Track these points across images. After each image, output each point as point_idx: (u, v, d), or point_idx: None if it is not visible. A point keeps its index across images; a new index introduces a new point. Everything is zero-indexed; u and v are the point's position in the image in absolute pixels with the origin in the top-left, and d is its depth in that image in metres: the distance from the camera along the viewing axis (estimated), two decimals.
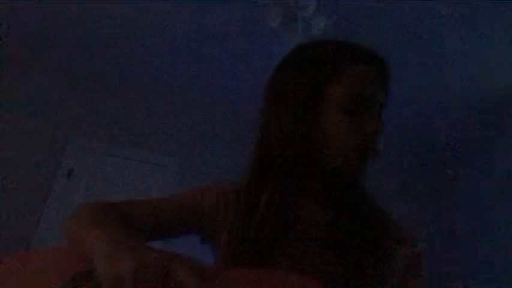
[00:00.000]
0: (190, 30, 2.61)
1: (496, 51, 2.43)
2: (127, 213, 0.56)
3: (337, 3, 2.19)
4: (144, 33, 2.71)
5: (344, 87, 0.58)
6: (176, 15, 2.48)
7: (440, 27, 2.31)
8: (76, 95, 3.15)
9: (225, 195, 0.64)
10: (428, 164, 3.68)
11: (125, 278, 0.34)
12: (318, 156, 0.60)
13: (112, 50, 2.94)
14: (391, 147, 3.55)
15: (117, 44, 2.86)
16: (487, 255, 2.85)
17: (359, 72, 0.59)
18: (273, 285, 0.42)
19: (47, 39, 2.90)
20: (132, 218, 0.57)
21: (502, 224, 2.78)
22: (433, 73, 2.72)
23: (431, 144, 3.60)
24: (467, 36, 2.34)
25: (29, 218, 2.74)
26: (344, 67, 0.59)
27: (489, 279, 2.77)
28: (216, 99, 3.41)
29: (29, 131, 2.94)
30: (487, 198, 2.99)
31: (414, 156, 3.70)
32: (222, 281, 0.39)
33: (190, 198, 0.64)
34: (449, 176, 3.45)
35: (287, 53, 0.67)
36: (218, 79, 3.14)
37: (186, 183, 3.07)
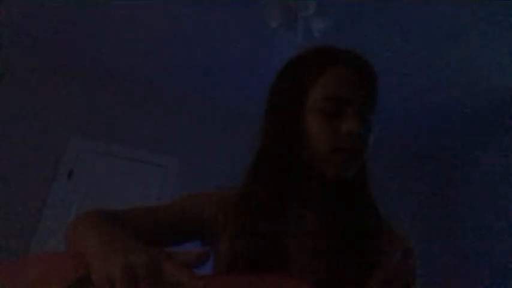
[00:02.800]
0: (191, 30, 2.61)
1: (496, 52, 2.43)
2: (127, 222, 0.56)
3: (337, 3, 2.19)
4: (144, 33, 2.71)
5: (321, 90, 0.60)
6: (176, 15, 2.48)
7: (440, 27, 2.30)
8: (76, 95, 3.15)
9: (224, 202, 0.65)
10: (428, 164, 3.68)
11: (114, 278, 0.34)
12: (303, 158, 0.61)
13: (112, 50, 2.94)
14: (391, 148, 3.55)
15: (117, 44, 2.86)
16: (488, 255, 2.85)
17: (336, 74, 0.61)
18: None
19: (47, 39, 2.90)
20: (132, 226, 0.56)
21: (503, 224, 2.78)
22: (433, 73, 2.72)
23: (431, 145, 3.60)
24: (467, 36, 2.34)
25: (29, 218, 2.74)
26: (323, 70, 0.61)
27: (490, 278, 2.77)
28: (216, 99, 3.41)
29: (29, 131, 2.94)
30: (488, 199, 2.99)
31: (414, 156, 3.70)
32: (216, 285, 0.39)
33: (189, 206, 0.64)
34: (450, 177, 3.45)
35: (282, 66, 0.70)
36: (218, 79, 3.14)
37: (186, 183, 3.07)
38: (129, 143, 3.14)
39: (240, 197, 0.63)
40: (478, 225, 3.01)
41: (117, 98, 3.25)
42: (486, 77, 2.67)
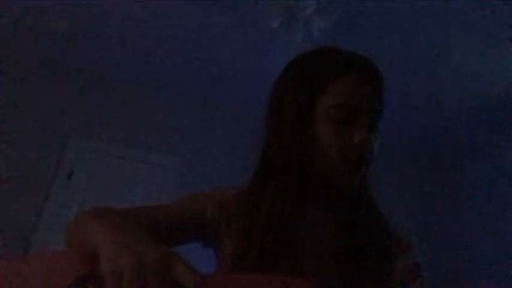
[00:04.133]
0: (191, 30, 2.61)
1: (496, 51, 2.43)
2: (129, 220, 0.56)
3: (337, 3, 2.19)
4: (144, 33, 2.71)
5: (333, 98, 0.60)
6: (177, 15, 2.48)
7: (440, 27, 2.30)
8: (76, 95, 3.15)
9: (226, 202, 0.64)
10: (428, 164, 3.67)
11: (125, 272, 0.34)
12: (312, 165, 0.61)
13: (112, 50, 2.94)
14: (392, 148, 3.55)
15: (117, 44, 2.86)
16: (488, 256, 2.85)
17: (347, 81, 0.60)
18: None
19: (47, 39, 2.90)
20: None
21: (502, 224, 2.78)
22: (433, 73, 2.72)
23: (431, 145, 3.60)
24: (467, 36, 2.34)
25: (29, 218, 2.74)
26: (333, 77, 0.60)
27: (490, 278, 2.77)
28: (216, 99, 3.41)
29: (29, 131, 2.94)
30: (488, 199, 2.99)
31: (414, 156, 3.70)
32: (219, 284, 0.39)
33: (191, 206, 0.63)
34: (450, 177, 3.45)
35: (287, 64, 0.69)
36: (218, 79, 3.14)
37: (186, 183, 3.07)
38: (129, 143, 3.14)
39: (248, 197, 0.62)
40: (478, 225, 3.01)
41: (117, 99, 3.25)
42: (486, 77, 2.67)
